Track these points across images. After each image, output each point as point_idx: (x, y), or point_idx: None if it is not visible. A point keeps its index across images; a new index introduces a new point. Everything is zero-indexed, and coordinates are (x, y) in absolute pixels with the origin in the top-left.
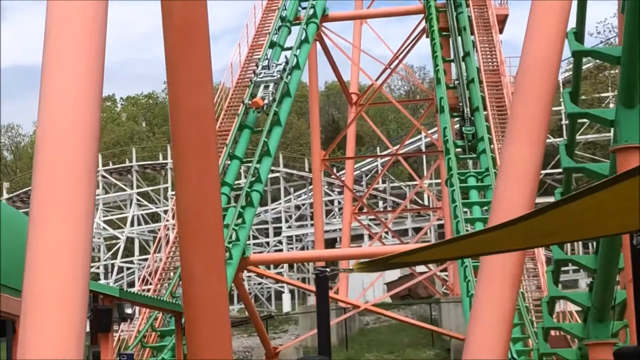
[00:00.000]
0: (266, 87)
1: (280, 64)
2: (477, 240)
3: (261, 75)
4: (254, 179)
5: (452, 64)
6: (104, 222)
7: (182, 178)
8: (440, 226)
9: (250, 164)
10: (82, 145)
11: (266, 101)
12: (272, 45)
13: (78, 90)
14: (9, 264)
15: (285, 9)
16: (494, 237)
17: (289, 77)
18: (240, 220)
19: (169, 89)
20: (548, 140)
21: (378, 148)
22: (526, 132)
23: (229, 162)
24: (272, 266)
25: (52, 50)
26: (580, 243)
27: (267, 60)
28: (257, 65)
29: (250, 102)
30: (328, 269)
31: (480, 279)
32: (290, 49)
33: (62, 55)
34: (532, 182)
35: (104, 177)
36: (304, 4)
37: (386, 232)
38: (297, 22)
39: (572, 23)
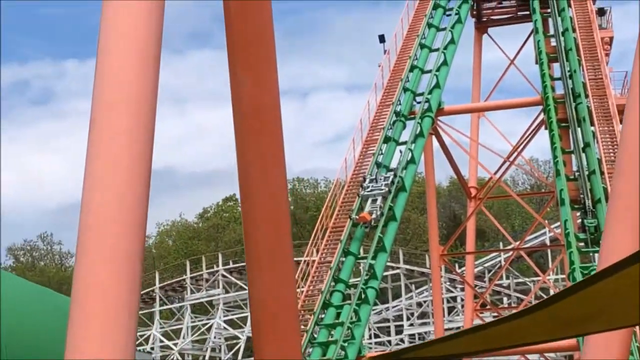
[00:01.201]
0: (374, 201)
1: (388, 177)
2: (495, 332)
3: (369, 189)
4: (369, 275)
5: (572, 156)
6: (225, 322)
7: (254, 272)
8: None
9: (365, 260)
10: (129, 223)
11: (374, 216)
12: (387, 140)
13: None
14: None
15: (400, 104)
16: (518, 325)
17: (404, 171)
18: (355, 318)
19: (239, 178)
20: None
21: (501, 243)
22: (628, 215)
23: (343, 258)
24: None
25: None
26: None
27: (374, 173)
28: (364, 179)
29: (357, 217)
30: None
31: None
32: (405, 143)
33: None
34: None
35: (224, 276)
36: (418, 98)
37: None
38: (412, 116)
39: None
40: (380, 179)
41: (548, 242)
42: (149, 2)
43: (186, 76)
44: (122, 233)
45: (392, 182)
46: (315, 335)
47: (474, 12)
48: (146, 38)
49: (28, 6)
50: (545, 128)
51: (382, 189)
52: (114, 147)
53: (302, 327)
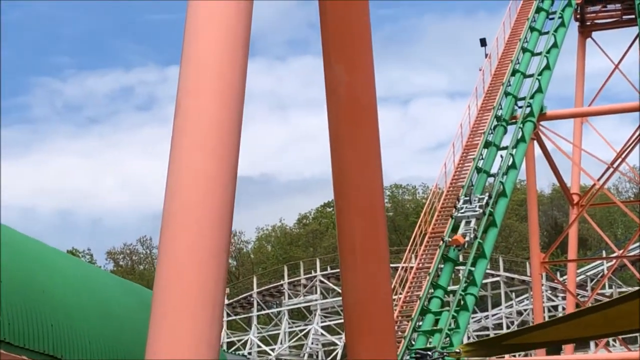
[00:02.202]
0: (467, 222)
1: (483, 197)
2: (597, 318)
3: (462, 210)
4: (468, 282)
5: None
6: (322, 327)
7: (347, 266)
8: None
9: (464, 267)
10: (213, 218)
11: (467, 239)
12: (487, 145)
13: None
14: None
15: (501, 108)
16: (621, 311)
17: (505, 177)
18: (454, 325)
19: (332, 168)
20: None
21: (604, 252)
22: None
23: (442, 265)
24: None
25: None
26: None
27: (469, 195)
28: (458, 200)
29: (450, 240)
30: (430, 352)
31: None
32: (506, 148)
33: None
34: None
35: (321, 282)
36: (520, 103)
37: (613, 339)
38: (514, 121)
39: None
40: (475, 200)
41: None
42: (235, 2)
43: (288, 82)
44: (205, 231)
45: (487, 203)
46: (413, 342)
47: (578, 16)
48: (232, 40)
49: (133, 12)
50: None
51: (476, 211)
52: (198, 147)
53: (400, 333)
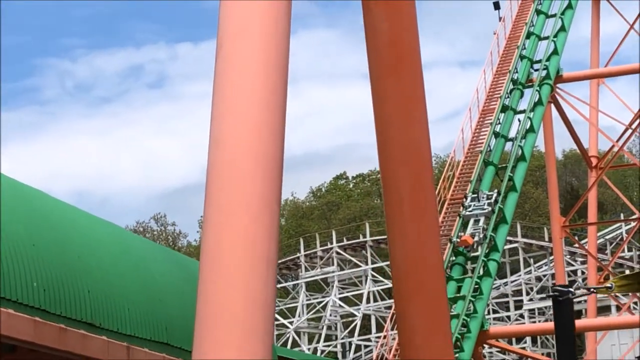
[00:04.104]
0: (476, 221)
1: (492, 194)
2: None
3: (470, 209)
4: (489, 247)
5: None
6: (340, 299)
7: (394, 229)
8: None
9: (485, 232)
10: (261, 187)
11: (476, 238)
12: (504, 109)
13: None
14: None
15: (517, 72)
16: None
17: (523, 140)
18: (477, 292)
19: (375, 123)
20: None
21: (622, 215)
22: None
23: (462, 233)
24: (514, 341)
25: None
26: None
27: (476, 191)
28: (465, 198)
29: (458, 240)
30: (572, 289)
31: None
32: (523, 112)
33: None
34: None
35: (338, 253)
36: (536, 66)
37: (634, 303)
38: (530, 84)
39: None
40: (483, 197)
41: None
42: None
43: (299, 56)
44: (254, 182)
45: (496, 200)
46: None
47: None
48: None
49: None
50: None
51: (484, 209)
52: (242, 93)
53: None
